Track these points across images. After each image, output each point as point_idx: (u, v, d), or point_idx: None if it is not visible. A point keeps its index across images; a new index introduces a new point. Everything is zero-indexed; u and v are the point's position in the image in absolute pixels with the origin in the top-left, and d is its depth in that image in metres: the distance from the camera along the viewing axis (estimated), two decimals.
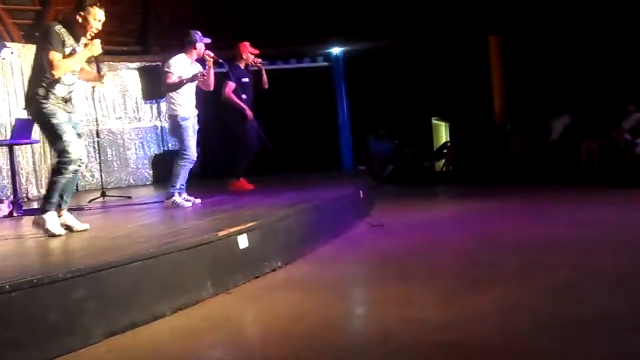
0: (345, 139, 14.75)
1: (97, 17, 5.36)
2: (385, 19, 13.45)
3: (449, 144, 15.33)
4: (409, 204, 9.99)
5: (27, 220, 7.58)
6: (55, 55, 5.14)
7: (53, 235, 5.33)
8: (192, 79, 7.37)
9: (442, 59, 13.84)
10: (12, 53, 11.21)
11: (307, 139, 13.45)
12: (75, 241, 5.24)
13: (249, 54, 8.82)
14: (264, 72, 8.94)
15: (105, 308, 3.77)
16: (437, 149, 15.44)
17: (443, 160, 14.81)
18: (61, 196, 5.52)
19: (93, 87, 11.39)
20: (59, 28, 5.24)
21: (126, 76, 13.49)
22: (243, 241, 5.05)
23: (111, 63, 13.29)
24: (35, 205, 9.75)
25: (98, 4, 5.35)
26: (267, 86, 8.95)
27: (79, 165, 5.46)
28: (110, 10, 13.77)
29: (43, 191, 11.54)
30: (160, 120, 14.03)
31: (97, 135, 11.48)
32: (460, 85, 13.72)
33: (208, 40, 7.63)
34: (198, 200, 7.64)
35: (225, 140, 8.78)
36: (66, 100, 5.39)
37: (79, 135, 5.49)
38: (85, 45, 5.38)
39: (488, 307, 3.95)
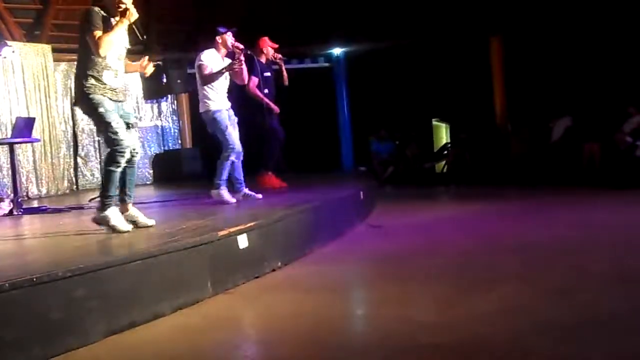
0: (346, 140, 14.77)
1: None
2: (386, 20, 13.46)
3: (449, 145, 15.33)
4: (409, 205, 9.99)
5: (27, 218, 7.60)
6: (97, 33, 5.08)
7: (120, 232, 5.25)
8: (230, 67, 7.31)
9: (443, 60, 13.85)
10: (13, 52, 11.21)
11: (308, 140, 13.45)
12: (76, 240, 5.24)
13: (269, 47, 8.82)
14: (284, 67, 8.94)
15: (105, 307, 3.77)
16: (437, 150, 15.45)
17: (444, 162, 14.81)
18: (124, 191, 5.49)
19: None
20: (97, 9, 5.19)
21: (127, 76, 13.44)
22: (243, 241, 5.04)
23: None
24: (35, 203, 9.77)
25: None
26: (287, 82, 8.96)
27: (133, 155, 5.41)
28: None
29: (44, 190, 11.65)
30: (160, 120, 14.05)
31: (98, 135, 11.46)
32: (462, 86, 13.72)
33: (233, 30, 7.58)
34: (259, 196, 7.59)
35: (253, 136, 8.79)
36: (114, 89, 5.32)
37: (129, 125, 5.43)
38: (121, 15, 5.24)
39: (488, 308, 3.95)
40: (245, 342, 3.84)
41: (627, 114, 11.42)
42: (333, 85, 14.71)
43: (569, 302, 4.01)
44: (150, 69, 5.78)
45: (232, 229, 5.04)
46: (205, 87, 7.38)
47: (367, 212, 8.56)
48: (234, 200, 7.38)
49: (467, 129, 14.25)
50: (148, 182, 13.55)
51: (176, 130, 14.27)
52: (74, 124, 12.88)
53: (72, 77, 11.26)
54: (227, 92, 7.61)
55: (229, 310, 4.32)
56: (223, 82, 7.50)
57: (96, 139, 11.86)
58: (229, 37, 7.51)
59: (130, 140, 5.33)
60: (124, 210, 5.49)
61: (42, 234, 6.08)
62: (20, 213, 7.95)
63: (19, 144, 9.75)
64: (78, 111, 12.70)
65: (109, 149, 5.28)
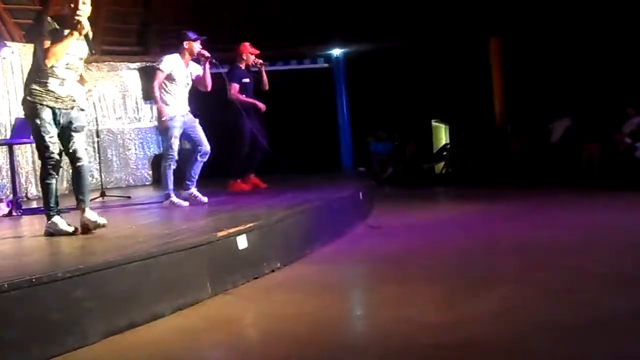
0: (345, 140, 14.76)
1: (83, 9, 5.25)
2: (385, 21, 13.45)
3: (448, 146, 15.33)
4: (408, 205, 9.99)
5: (26, 219, 7.60)
6: (45, 43, 5.07)
7: (67, 234, 5.33)
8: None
9: (442, 61, 13.84)
10: (12, 52, 11.22)
11: (307, 140, 13.44)
12: (75, 241, 5.23)
13: (249, 54, 8.84)
14: (264, 72, 8.96)
15: (104, 308, 3.77)
16: (437, 151, 15.45)
17: (443, 162, 14.81)
18: (77, 197, 5.50)
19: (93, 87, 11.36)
20: (50, 18, 5.19)
21: (126, 76, 13.48)
22: (242, 242, 5.04)
23: (111, 63, 13.32)
24: (34, 204, 9.76)
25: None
26: (267, 87, 8.98)
27: (77, 161, 5.40)
28: (111, 10, 13.90)
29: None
30: None
31: (97, 135, 11.47)
32: (461, 87, 13.72)
33: (201, 38, 7.59)
34: (205, 199, 7.62)
35: (227, 141, 8.79)
36: (59, 97, 5.28)
37: (75, 129, 5.39)
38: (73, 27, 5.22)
39: (487, 308, 3.95)
40: (244, 343, 3.83)
41: (627, 115, 11.43)
42: (332, 86, 14.69)
43: (568, 302, 4.01)
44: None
45: (231, 230, 5.04)
46: (163, 91, 7.42)
47: (366, 213, 8.56)
48: (186, 203, 7.45)
49: (466, 130, 14.25)
50: (147, 183, 13.55)
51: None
52: None
53: None
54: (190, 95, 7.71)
55: (228, 311, 4.32)
56: (183, 88, 7.55)
57: (95, 139, 11.87)
58: (197, 45, 7.55)
59: (61, 152, 5.33)
60: (82, 213, 5.46)
61: (41, 235, 6.07)
62: (19, 214, 7.94)
63: (18, 145, 9.73)
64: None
65: (41, 161, 5.33)
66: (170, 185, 7.46)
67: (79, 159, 5.44)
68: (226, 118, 8.75)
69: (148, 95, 13.24)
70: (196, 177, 7.63)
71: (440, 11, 13.22)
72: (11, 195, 8.52)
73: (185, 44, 7.51)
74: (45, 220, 5.51)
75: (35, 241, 5.36)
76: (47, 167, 5.28)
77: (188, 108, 7.60)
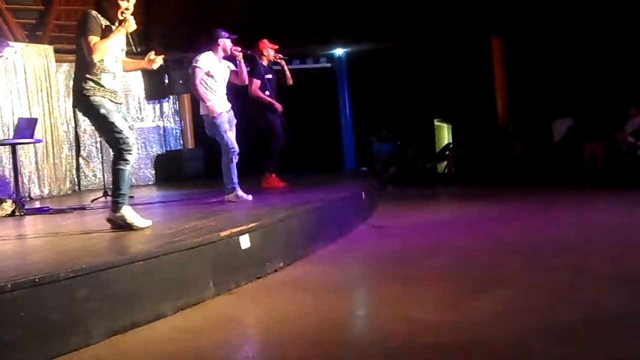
0: (347, 140, 14.77)
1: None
2: (388, 21, 13.45)
3: (451, 145, 15.33)
4: (411, 205, 9.99)
5: (30, 219, 7.61)
6: (92, 39, 5.10)
7: (139, 228, 5.36)
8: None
9: (444, 60, 13.85)
10: (15, 52, 11.23)
11: (310, 140, 13.44)
12: (77, 241, 5.24)
13: (269, 49, 8.89)
14: (286, 67, 9.02)
15: (107, 308, 3.78)
16: (439, 151, 15.44)
17: (445, 162, 14.81)
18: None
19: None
20: (95, 13, 5.21)
21: (129, 76, 13.48)
22: (245, 241, 5.05)
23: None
24: (37, 204, 9.78)
25: None
26: (291, 82, 9.11)
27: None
28: None
29: (46, 190, 11.66)
30: (162, 121, 14.06)
31: (101, 136, 11.47)
32: (463, 86, 13.72)
33: (233, 37, 7.71)
34: (249, 197, 7.62)
35: (255, 137, 8.84)
36: (114, 91, 5.35)
37: (130, 127, 5.48)
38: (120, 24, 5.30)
39: (490, 308, 3.95)
40: (247, 343, 3.84)
41: (629, 115, 11.42)
42: (335, 86, 14.71)
43: (570, 302, 4.01)
44: (159, 62, 5.73)
45: (234, 230, 5.04)
46: (205, 90, 7.45)
47: (369, 213, 8.56)
48: (250, 197, 7.52)
49: (469, 129, 14.25)
50: (150, 183, 13.57)
51: (178, 131, 14.29)
52: (76, 125, 12.90)
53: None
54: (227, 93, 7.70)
55: (231, 311, 4.33)
56: (221, 84, 7.63)
57: (98, 139, 11.89)
58: (229, 43, 7.63)
59: (133, 140, 5.39)
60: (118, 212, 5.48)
61: (44, 235, 6.08)
62: (22, 214, 7.96)
63: (21, 145, 9.75)
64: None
65: (115, 149, 5.31)
66: (235, 179, 7.48)
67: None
68: (254, 115, 8.79)
69: (151, 95, 13.30)
70: (236, 178, 7.61)
71: (443, 11, 13.23)
72: (14, 195, 8.53)
73: (220, 42, 7.59)
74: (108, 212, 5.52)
75: (39, 241, 5.37)
76: (123, 152, 5.29)
77: (230, 105, 7.66)
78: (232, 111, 7.67)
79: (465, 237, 6.69)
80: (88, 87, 5.20)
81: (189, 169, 13.12)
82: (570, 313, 3.77)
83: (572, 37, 12.56)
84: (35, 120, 9.73)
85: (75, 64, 5.40)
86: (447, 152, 15.06)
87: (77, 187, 12.85)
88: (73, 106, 5.50)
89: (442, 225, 7.78)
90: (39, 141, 10.23)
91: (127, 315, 3.88)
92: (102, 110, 5.21)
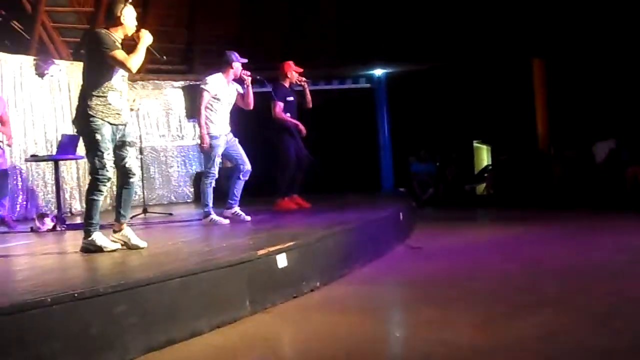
0: (386, 161, 14.72)
1: (131, 16, 5.46)
2: (427, 42, 13.43)
3: (490, 167, 15.21)
4: (449, 227, 9.92)
5: (70, 234, 7.71)
6: (120, 54, 5.21)
7: (109, 250, 5.37)
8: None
9: (484, 82, 13.77)
10: (60, 70, 11.44)
11: (348, 160, 13.45)
12: (117, 257, 5.29)
13: (293, 72, 8.93)
14: (308, 90, 9.04)
15: (144, 324, 3.80)
16: (478, 172, 15.33)
17: (484, 184, 14.69)
18: (119, 211, 5.59)
19: (134, 109, 11.56)
20: (105, 31, 5.31)
21: (170, 95, 13.66)
22: (282, 260, 5.05)
23: (156, 81, 13.52)
24: (78, 220, 9.89)
25: (128, 3, 5.46)
26: (310, 105, 9.07)
27: (130, 177, 5.55)
28: (156, 29, 14.00)
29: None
30: None
31: (141, 153, 11.59)
32: (503, 108, 13.63)
33: (244, 60, 7.77)
34: (248, 217, 7.73)
35: (271, 159, 8.88)
36: (118, 110, 5.37)
37: (129, 144, 5.52)
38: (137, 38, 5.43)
39: (528, 333, 3.89)
40: None
41: None
42: (374, 106, 14.69)
43: (609, 328, 3.94)
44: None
45: (271, 248, 5.05)
46: (208, 110, 7.57)
47: (407, 234, 8.51)
48: (226, 221, 7.57)
49: (508, 151, 14.13)
50: (189, 200, 13.66)
51: None
52: None
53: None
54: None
55: (266, 330, 4.32)
56: (226, 107, 7.72)
57: (139, 156, 11.99)
58: (238, 66, 7.73)
59: (112, 171, 5.42)
60: (118, 229, 5.54)
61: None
62: (63, 229, 8.07)
63: (63, 161, 9.89)
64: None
65: (92, 177, 5.37)
66: (210, 203, 7.57)
67: (132, 174, 5.56)
68: (269, 136, 8.84)
69: (191, 113, 13.39)
70: (239, 195, 7.75)
71: (483, 33, 13.17)
72: (55, 210, 8.64)
73: (232, 65, 7.67)
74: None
75: (78, 256, 5.42)
76: (98, 184, 5.34)
77: (229, 127, 7.70)
78: (231, 134, 7.75)
79: (504, 260, 6.62)
80: (93, 106, 5.23)
81: (227, 186, 13.14)
82: (611, 339, 3.70)
83: (614, 59, 12.42)
84: (78, 136, 9.86)
85: (82, 82, 5.45)
86: (486, 174, 14.95)
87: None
88: (73, 122, 5.54)
89: (480, 248, 7.71)
90: (81, 157, 10.35)
91: (163, 331, 3.90)
92: (97, 136, 5.24)
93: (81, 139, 5.57)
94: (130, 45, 5.45)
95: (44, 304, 3.38)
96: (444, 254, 7.25)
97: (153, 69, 13.48)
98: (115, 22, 5.37)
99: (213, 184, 7.61)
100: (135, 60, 5.26)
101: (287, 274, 5.07)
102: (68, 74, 11.82)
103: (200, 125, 7.54)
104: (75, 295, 3.51)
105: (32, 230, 8.03)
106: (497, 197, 13.83)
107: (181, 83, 13.70)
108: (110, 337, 3.62)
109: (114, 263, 5.00)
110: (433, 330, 4.09)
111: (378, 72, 14.53)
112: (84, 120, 5.29)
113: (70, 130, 11.49)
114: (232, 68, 7.68)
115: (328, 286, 5.49)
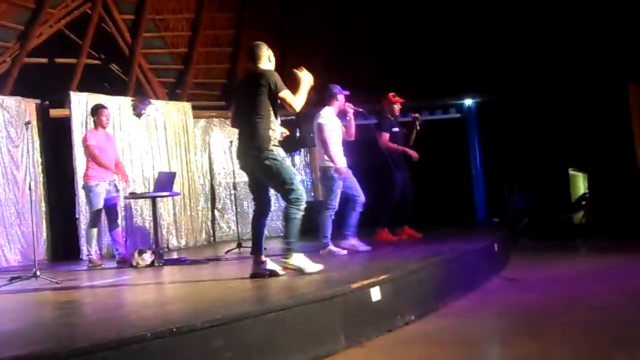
0: (479, 191, 14.52)
1: (272, 58, 6.04)
2: (518, 69, 13.26)
3: (587, 195, 14.79)
4: (546, 257, 9.67)
5: (167, 269, 7.89)
6: (289, 94, 5.75)
7: (313, 272, 5.71)
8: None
9: (579, 108, 13.46)
10: (156, 110, 11.83)
11: (441, 191, 13.33)
12: (213, 291, 5.38)
13: (395, 104, 9.14)
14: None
15: (240, 358, 3.83)
16: (575, 201, 14.92)
17: (582, 213, 14.29)
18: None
19: (230, 142, 11.83)
20: (274, 72, 5.82)
21: None
22: (376, 294, 5.03)
23: None
24: (175, 255, 10.13)
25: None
26: (411, 145, 9.27)
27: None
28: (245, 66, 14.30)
29: (183, 241, 12.07)
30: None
31: (234, 188, 11.83)
32: (599, 134, 13.28)
33: (347, 93, 7.95)
34: (366, 247, 7.85)
35: (377, 190, 8.96)
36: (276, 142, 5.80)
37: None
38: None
39: None
40: None
41: None
42: (465, 136, 14.56)
43: None
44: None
45: (364, 282, 5.04)
46: (330, 144, 7.68)
47: (502, 265, 8.36)
48: (344, 252, 7.64)
49: (605, 178, 13.72)
50: (282, 234, 13.76)
51: (309, 183, 14.48)
52: (212, 178, 13.38)
53: (210, 132, 11.80)
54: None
55: None
56: (340, 139, 7.90)
57: (232, 192, 12.23)
58: (342, 98, 7.94)
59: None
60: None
61: (181, 285, 6.28)
62: (161, 264, 8.26)
63: (160, 198, 10.17)
64: (216, 165, 13.24)
65: (290, 199, 5.73)
66: (329, 235, 7.71)
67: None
68: (377, 167, 8.95)
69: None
70: (355, 226, 7.86)
71: (578, 58, 12.92)
72: (154, 246, 8.87)
73: (337, 97, 7.86)
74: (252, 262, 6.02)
75: (176, 291, 5.54)
76: (299, 204, 5.75)
77: (345, 159, 7.89)
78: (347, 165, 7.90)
79: (603, 292, 6.40)
80: (270, 136, 5.67)
81: (317, 220, 13.22)
82: None
83: None
84: (174, 174, 10.15)
85: (250, 117, 5.76)
86: (584, 202, 14.54)
87: (212, 239, 13.24)
88: (255, 157, 5.75)
89: (579, 279, 7.47)
90: (177, 194, 10.64)
91: None
92: (285, 164, 5.74)
93: (262, 172, 5.84)
94: None
95: (145, 339, 3.46)
96: (541, 285, 7.07)
97: None
98: (267, 61, 5.94)
99: (333, 217, 7.73)
100: (299, 101, 5.80)
101: (381, 307, 5.04)
102: (164, 113, 12.19)
103: (331, 157, 7.69)
104: (174, 330, 3.58)
105: (132, 266, 8.27)
106: (596, 226, 13.41)
107: None
108: None
109: (210, 298, 5.09)
110: None
111: (468, 101, 14.42)
112: (267, 153, 5.69)
113: (167, 167, 11.84)
114: (337, 100, 7.88)
115: (423, 320, 5.42)
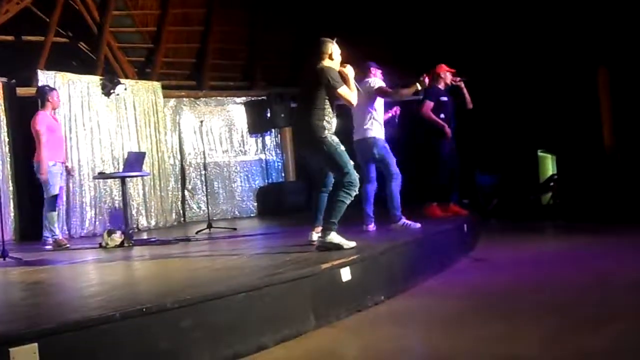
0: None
1: (337, 52, 6.17)
2: (488, 50, 13.31)
3: (555, 177, 14.93)
4: (514, 238, 9.76)
5: (137, 250, 7.85)
6: (346, 90, 5.98)
7: (349, 248, 5.82)
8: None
9: (548, 90, 13.55)
10: (125, 89, 11.70)
11: (411, 172, 13.37)
12: (183, 272, 5.36)
13: (447, 73, 9.00)
14: (465, 90, 9.05)
15: (210, 338, 3.84)
16: (543, 182, 15.05)
17: (550, 194, 14.42)
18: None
19: (201, 122, 11.76)
20: (332, 68, 6.00)
21: (233, 110, 13.84)
22: (346, 274, 5.05)
23: (218, 98, 13.71)
24: (144, 235, 10.08)
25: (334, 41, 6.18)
26: (471, 105, 9.21)
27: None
28: (219, 47, 14.29)
29: (152, 222, 12.01)
30: (264, 154, 14.27)
31: (204, 168, 11.80)
32: (568, 117, 13.38)
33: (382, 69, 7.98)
34: (418, 225, 7.64)
35: (420, 163, 8.90)
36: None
37: None
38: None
39: (598, 347, 3.80)
40: None
41: None
42: None
43: None
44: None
45: (335, 262, 5.06)
46: (374, 113, 7.62)
47: (472, 246, 8.43)
48: (418, 225, 7.55)
49: (574, 160, 13.84)
50: (252, 215, 13.78)
51: (279, 164, 14.48)
52: (182, 158, 13.31)
53: (180, 112, 11.71)
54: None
55: (331, 344, 4.32)
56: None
57: (202, 172, 12.20)
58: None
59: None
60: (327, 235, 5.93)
61: (151, 265, 6.26)
62: (131, 245, 8.22)
63: (130, 178, 10.09)
64: (186, 145, 13.18)
65: (344, 183, 5.84)
66: (399, 207, 7.60)
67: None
68: (423, 141, 8.96)
69: (254, 128, 13.60)
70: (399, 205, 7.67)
71: (547, 42, 12.99)
72: (123, 226, 8.81)
73: (373, 71, 7.86)
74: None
75: (146, 272, 5.51)
76: (351, 189, 5.86)
77: None
78: None
79: (571, 272, 6.48)
80: (325, 127, 5.93)
81: (291, 201, 13.27)
82: None
83: None
84: (144, 154, 10.08)
85: (306, 109, 6.02)
86: (552, 184, 14.67)
87: (182, 219, 13.19)
88: (312, 144, 5.99)
89: (547, 260, 7.56)
90: (147, 174, 10.57)
91: (229, 346, 3.93)
92: (342, 147, 5.93)
93: (321, 158, 6.09)
94: None
95: (114, 319, 3.45)
96: (509, 266, 7.14)
97: (215, 86, 13.70)
98: (328, 59, 6.07)
99: (400, 186, 7.62)
100: (354, 96, 6.09)
101: (351, 287, 5.07)
102: (133, 92, 12.08)
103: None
104: (144, 310, 3.57)
105: (101, 246, 8.22)
106: (563, 207, 13.56)
107: (243, 99, 13.89)
108: (178, 351, 3.68)
109: (180, 278, 5.07)
110: (499, 344, 4.03)
111: None
112: (323, 141, 5.92)
113: (136, 147, 11.75)
114: (373, 75, 7.80)
115: (392, 300, 5.46)
